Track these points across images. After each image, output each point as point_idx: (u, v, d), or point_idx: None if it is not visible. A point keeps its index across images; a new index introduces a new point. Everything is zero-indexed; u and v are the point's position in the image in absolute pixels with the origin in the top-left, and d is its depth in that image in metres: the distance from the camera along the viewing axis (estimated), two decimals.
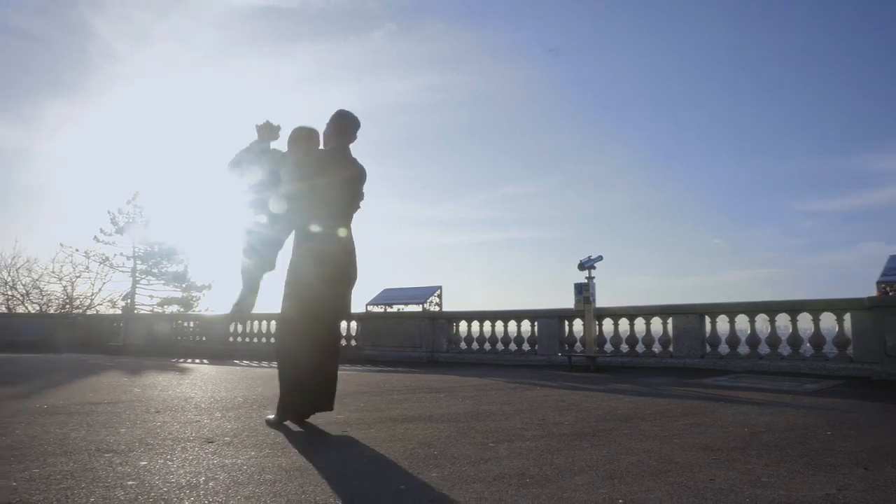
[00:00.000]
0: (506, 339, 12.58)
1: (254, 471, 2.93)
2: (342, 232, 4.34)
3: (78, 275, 32.43)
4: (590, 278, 10.74)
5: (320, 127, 4.55)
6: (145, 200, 37.32)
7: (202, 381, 8.05)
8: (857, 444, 3.72)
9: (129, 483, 2.66)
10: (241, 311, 4.46)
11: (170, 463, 3.07)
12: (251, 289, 4.44)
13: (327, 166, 4.36)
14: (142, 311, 31.27)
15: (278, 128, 4.58)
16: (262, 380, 8.20)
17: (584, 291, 10.88)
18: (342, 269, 4.34)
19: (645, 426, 4.35)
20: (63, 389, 6.65)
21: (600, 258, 10.89)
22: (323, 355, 4.27)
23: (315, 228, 4.29)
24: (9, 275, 31.47)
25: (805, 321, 9.67)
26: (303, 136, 4.46)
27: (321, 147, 4.50)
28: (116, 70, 66.75)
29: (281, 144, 4.60)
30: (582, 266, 10.76)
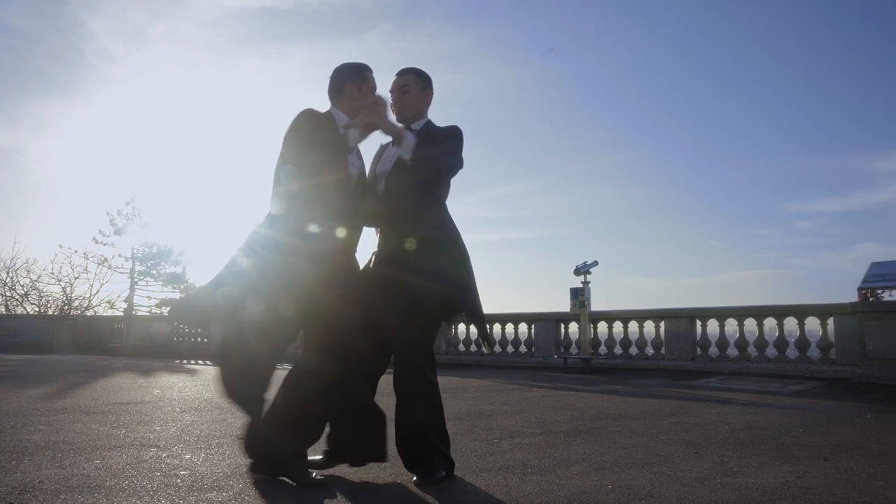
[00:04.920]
0: (503, 342, 12.98)
1: None
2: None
3: (77, 276, 32.64)
4: (585, 283, 11.16)
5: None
6: (144, 202, 37.61)
7: (213, 382, 8.41)
8: (824, 439, 4.13)
9: (182, 472, 3.04)
10: None
11: (211, 457, 3.45)
12: None
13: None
14: (140, 313, 31.51)
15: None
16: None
17: (579, 296, 11.31)
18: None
19: (635, 424, 4.75)
20: (86, 390, 7.00)
21: (595, 264, 11.31)
22: None
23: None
24: (8, 275, 31.62)
25: (792, 325, 10.12)
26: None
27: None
28: (113, 70, 66.55)
29: None
30: (578, 271, 11.19)
